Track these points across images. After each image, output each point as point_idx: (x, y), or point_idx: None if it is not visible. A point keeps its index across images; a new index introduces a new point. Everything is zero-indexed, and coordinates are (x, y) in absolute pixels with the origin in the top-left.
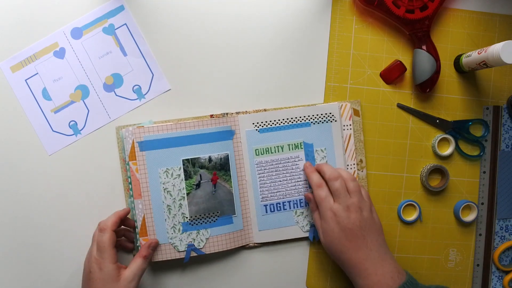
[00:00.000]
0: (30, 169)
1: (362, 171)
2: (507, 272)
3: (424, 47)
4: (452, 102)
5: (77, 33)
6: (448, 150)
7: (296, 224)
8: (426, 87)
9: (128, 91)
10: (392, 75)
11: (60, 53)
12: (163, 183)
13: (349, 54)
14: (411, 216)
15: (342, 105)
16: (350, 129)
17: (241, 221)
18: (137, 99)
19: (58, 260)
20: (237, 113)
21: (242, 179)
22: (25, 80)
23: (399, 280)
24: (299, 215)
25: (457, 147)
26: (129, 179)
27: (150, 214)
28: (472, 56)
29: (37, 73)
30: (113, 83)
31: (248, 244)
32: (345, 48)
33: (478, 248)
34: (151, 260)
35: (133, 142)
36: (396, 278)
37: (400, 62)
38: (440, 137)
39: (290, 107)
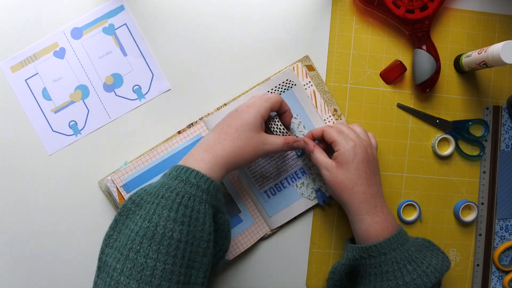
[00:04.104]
0: (30, 169)
1: (340, 120)
2: (507, 272)
3: (424, 47)
4: (452, 102)
5: (77, 33)
6: (448, 150)
7: (302, 196)
8: (426, 87)
9: (128, 91)
10: (392, 75)
11: (60, 53)
12: None
13: (349, 54)
14: (411, 216)
15: (294, 67)
16: (311, 85)
17: (249, 215)
18: (137, 99)
19: (59, 259)
20: (201, 118)
21: (232, 177)
22: (25, 80)
23: (396, 223)
24: (300, 187)
25: (457, 147)
26: None
27: None
28: (472, 56)
29: (37, 73)
30: (113, 83)
31: (266, 234)
32: (345, 48)
33: (478, 248)
34: None
35: (117, 189)
36: (395, 220)
37: (400, 62)
38: (440, 137)
39: (247, 91)
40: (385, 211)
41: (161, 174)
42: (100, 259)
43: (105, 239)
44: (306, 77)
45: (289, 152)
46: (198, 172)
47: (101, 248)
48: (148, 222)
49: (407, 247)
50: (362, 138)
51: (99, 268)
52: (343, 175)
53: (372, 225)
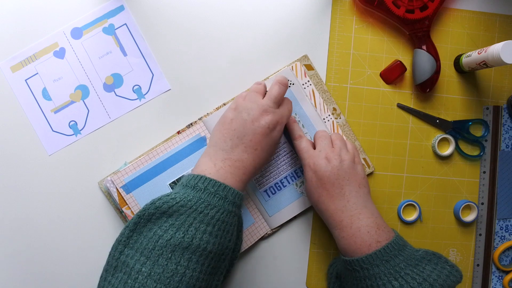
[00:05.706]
0: (30, 169)
1: (339, 118)
2: (507, 272)
3: (424, 47)
4: (452, 102)
5: (77, 33)
6: (448, 150)
7: (302, 195)
8: (426, 87)
9: (128, 91)
10: (392, 75)
11: (60, 53)
12: None
13: (349, 54)
14: (411, 216)
15: (292, 66)
16: (310, 84)
17: (250, 215)
18: (137, 99)
19: (59, 259)
20: (200, 118)
21: None
22: (25, 80)
23: (376, 237)
24: (300, 185)
25: (457, 147)
26: None
27: None
28: (472, 56)
29: (37, 73)
30: (113, 83)
31: (266, 233)
32: (345, 48)
33: (478, 248)
34: None
35: (117, 190)
36: (373, 234)
37: (400, 62)
38: (440, 137)
39: (246, 91)
40: (354, 225)
41: (186, 183)
42: (115, 258)
43: (122, 240)
44: (305, 76)
45: (289, 151)
46: (234, 190)
47: (116, 247)
48: (183, 233)
49: (395, 263)
50: (325, 151)
51: (114, 267)
52: (309, 195)
53: (339, 238)
